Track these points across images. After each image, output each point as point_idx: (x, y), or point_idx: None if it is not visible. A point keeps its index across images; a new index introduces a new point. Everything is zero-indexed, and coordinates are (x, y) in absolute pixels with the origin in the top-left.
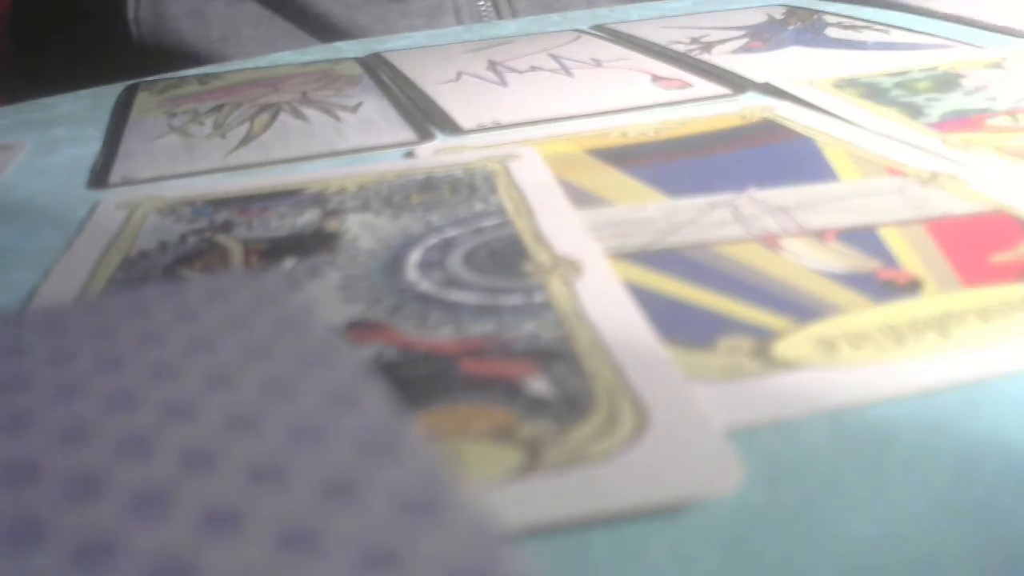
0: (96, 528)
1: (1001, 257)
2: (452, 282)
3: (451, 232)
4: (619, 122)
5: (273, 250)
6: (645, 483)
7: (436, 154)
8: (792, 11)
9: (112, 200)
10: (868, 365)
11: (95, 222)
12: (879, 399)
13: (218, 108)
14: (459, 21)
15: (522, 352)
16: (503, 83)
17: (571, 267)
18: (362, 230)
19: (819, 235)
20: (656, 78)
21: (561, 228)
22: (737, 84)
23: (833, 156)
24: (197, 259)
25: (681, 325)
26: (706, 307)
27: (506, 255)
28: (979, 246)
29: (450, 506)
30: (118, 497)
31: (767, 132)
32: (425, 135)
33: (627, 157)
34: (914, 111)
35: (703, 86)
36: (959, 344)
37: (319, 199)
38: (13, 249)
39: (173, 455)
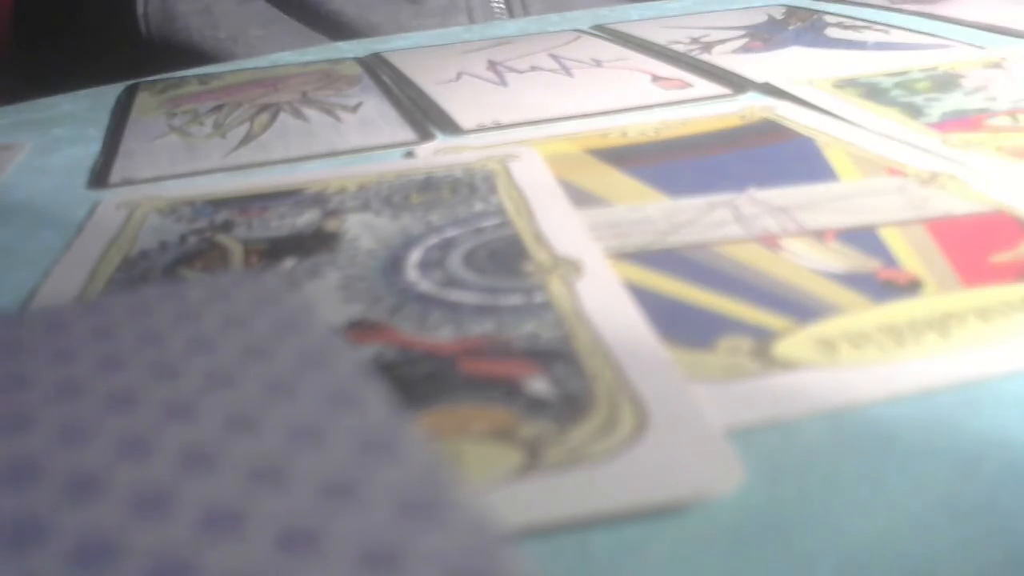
0: (96, 528)
1: (1001, 257)
2: (452, 282)
3: (451, 232)
4: (619, 122)
5: (273, 250)
6: (645, 483)
7: (436, 154)
8: (792, 11)
9: (112, 200)
10: (868, 365)
11: (95, 222)
12: (879, 399)
13: (218, 108)
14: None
15: (522, 352)
16: (503, 83)
17: (571, 267)
18: (362, 230)
19: (819, 235)
20: (656, 78)
21: (561, 228)
22: (737, 84)
23: (833, 156)
24: (197, 259)
25: (681, 325)
26: (706, 307)
27: (506, 255)
28: (979, 246)
29: (450, 506)
30: (118, 497)
31: (767, 132)
32: (425, 135)
33: (627, 157)
34: (914, 111)
35: (703, 86)
36: (959, 344)
37: (319, 199)
38: (13, 249)
39: (173, 455)
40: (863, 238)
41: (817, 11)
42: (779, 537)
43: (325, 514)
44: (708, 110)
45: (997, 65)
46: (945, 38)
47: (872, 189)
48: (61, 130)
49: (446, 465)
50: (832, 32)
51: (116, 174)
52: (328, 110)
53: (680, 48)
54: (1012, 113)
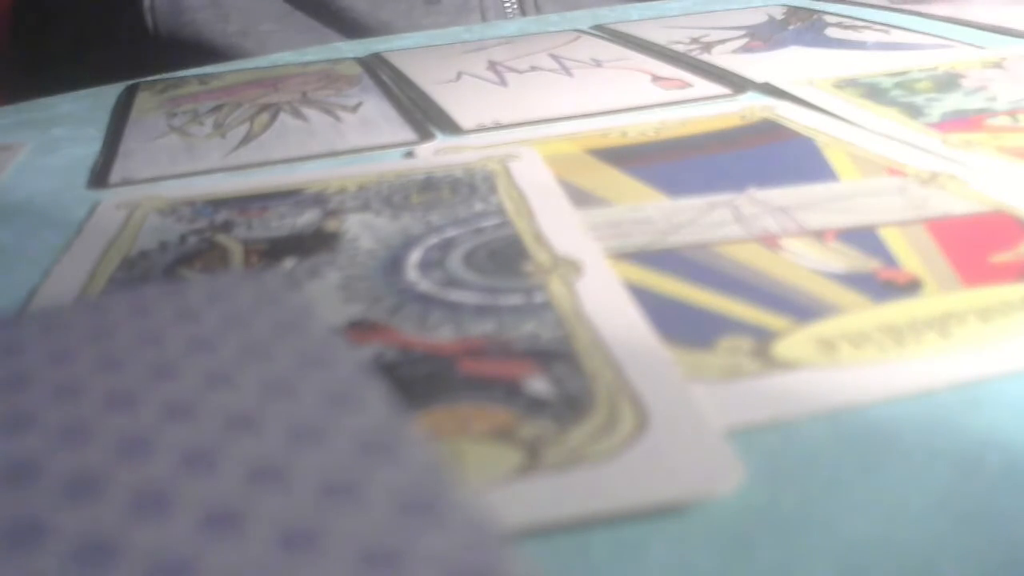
0: (96, 528)
1: (1001, 257)
2: (452, 282)
3: (451, 232)
4: (619, 122)
5: (273, 250)
6: (645, 483)
7: (436, 154)
8: (792, 11)
9: (112, 200)
10: (868, 365)
11: (95, 222)
12: (879, 399)
13: (218, 108)
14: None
15: (522, 352)
16: (503, 83)
17: (571, 267)
18: (362, 230)
19: (819, 235)
20: (656, 78)
21: (561, 228)
22: (737, 84)
23: (833, 156)
24: (197, 259)
25: (681, 325)
26: (706, 307)
27: (506, 255)
28: (979, 246)
29: (450, 506)
30: (118, 497)
31: (767, 132)
32: (425, 135)
33: (627, 157)
34: (914, 111)
35: (703, 86)
36: (959, 344)
37: (319, 199)
38: (13, 249)
39: (173, 455)
40: (863, 238)
41: (817, 11)
42: (779, 537)
43: (325, 514)
44: (708, 110)
45: (997, 65)
46: (945, 38)
47: (872, 189)
48: (61, 130)
49: (446, 465)
50: (832, 32)
51: (116, 174)
52: (328, 110)
53: (680, 48)
54: (1012, 113)
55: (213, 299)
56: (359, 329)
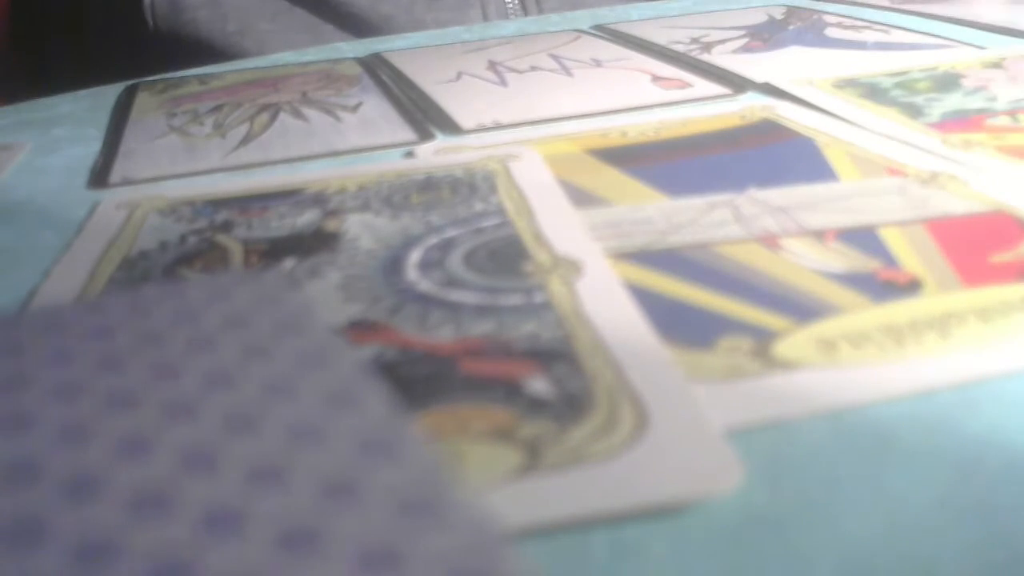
0: (96, 528)
1: (1001, 257)
2: (452, 282)
3: (451, 232)
4: (619, 122)
5: (273, 250)
6: (645, 483)
7: (436, 154)
8: (792, 11)
9: (112, 200)
10: (868, 365)
11: (95, 222)
12: (879, 399)
13: (218, 108)
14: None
15: (522, 352)
16: (503, 83)
17: (571, 267)
18: (362, 230)
19: (819, 235)
20: (656, 78)
21: (561, 228)
22: (737, 84)
23: (833, 156)
24: (197, 259)
25: (681, 325)
26: (706, 307)
27: (506, 255)
28: (979, 246)
29: (450, 506)
30: (118, 497)
31: (767, 132)
32: (425, 135)
33: (627, 157)
34: (914, 111)
35: (703, 86)
36: (959, 344)
37: (319, 199)
38: (13, 249)
39: (173, 455)
40: (863, 238)
41: (817, 11)
42: (779, 537)
43: (325, 514)
44: (708, 110)
45: (997, 65)
46: (945, 38)
47: (872, 189)
48: (61, 130)
49: (446, 465)
50: (832, 32)
51: (116, 174)
52: (328, 110)
53: (680, 48)
54: (1012, 113)
55: (213, 299)
56: (359, 329)
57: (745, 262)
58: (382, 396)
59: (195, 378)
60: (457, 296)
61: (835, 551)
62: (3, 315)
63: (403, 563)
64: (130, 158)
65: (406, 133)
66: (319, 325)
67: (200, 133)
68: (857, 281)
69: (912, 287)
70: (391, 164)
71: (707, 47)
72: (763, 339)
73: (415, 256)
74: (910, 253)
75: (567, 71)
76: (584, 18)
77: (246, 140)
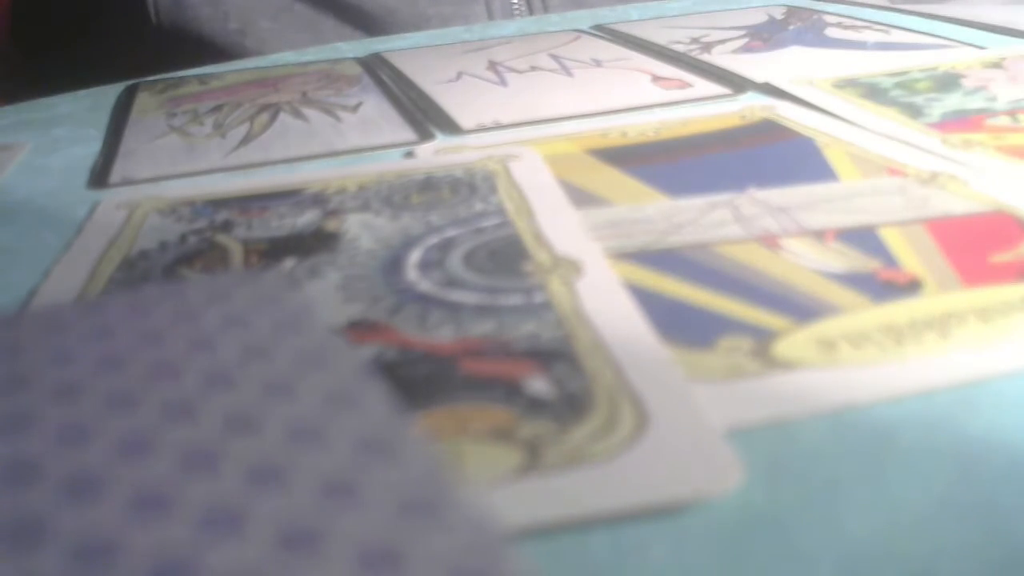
0: (96, 528)
1: (1001, 257)
2: (452, 282)
3: (451, 232)
4: (619, 122)
5: (273, 250)
6: (645, 483)
7: (436, 154)
8: (792, 11)
9: (112, 200)
10: (868, 365)
11: (95, 222)
12: (879, 399)
13: (218, 108)
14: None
15: (522, 352)
16: (503, 83)
17: (571, 267)
18: (362, 230)
19: (819, 235)
20: (656, 78)
21: (561, 228)
22: (737, 84)
23: (833, 156)
24: (197, 259)
25: (681, 325)
26: (706, 307)
27: (506, 255)
28: (979, 246)
29: (450, 506)
30: (118, 497)
31: (767, 132)
32: (425, 135)
33: (627, 157)
34: (914, 111)
35: (703, 86)
36: (959, 344)
37: (319, 199)
38: (13, 249)
39: (173, 455)
40: (863, 238)
41: (817, 11)
42: (779, 537)
43: (325, 514)
44: (708, 110)
45: (997, 65)
46: (945, 38)
47: (872, 189)
48: (61, 130)
49: (446, 465)
50: (832, 32)
51: (116, 174)
52: (328, 110)
53: (680, 48)
54: (1012, 113)
55: (213, 299)
56: (359, 329)
57: (745, 262)
58: (382, 396)
59: (195, 378)
60: (457, 296)
61: (835, 551)
62: (3, 315)
63: (403, 563)
64: (130, 158)
65: (406, 133)
66: (319, 325)
67: (200, 133)
68: (857, 281)
69: (912, 287)
70: (391, 164)
71: (707, 47)
72: (763, 339)
73: (415, 256)
74: (910, 253)
75: (567, 71)
76: (584, 18)
77: (246, 140)
